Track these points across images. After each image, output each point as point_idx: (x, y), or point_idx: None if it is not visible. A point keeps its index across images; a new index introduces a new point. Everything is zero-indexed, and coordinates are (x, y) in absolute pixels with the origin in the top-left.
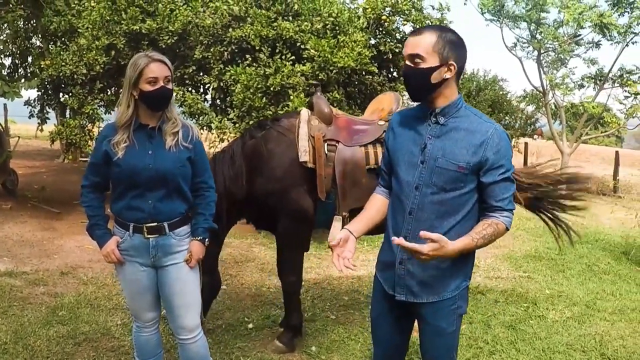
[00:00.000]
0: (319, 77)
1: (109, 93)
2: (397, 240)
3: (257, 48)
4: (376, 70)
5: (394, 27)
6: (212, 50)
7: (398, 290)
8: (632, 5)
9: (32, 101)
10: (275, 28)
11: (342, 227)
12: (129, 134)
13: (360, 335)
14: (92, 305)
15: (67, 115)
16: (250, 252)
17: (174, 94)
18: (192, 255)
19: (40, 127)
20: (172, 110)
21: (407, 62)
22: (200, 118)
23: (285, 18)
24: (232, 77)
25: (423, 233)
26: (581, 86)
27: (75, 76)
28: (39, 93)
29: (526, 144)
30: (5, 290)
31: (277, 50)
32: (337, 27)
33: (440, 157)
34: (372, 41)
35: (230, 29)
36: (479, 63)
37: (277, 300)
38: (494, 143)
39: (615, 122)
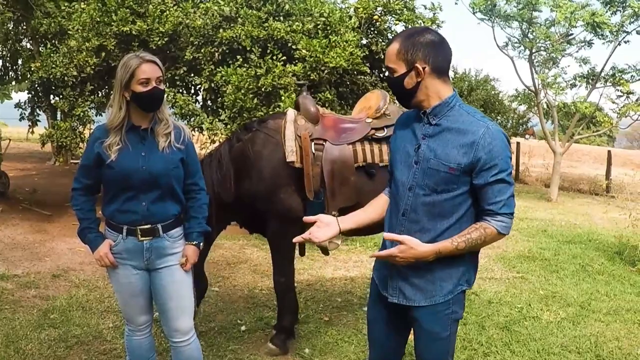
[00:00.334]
0: (311, 78)
1: (99, 95)
2: (388, 235)
3: (248, 49)
4: (368, 70)
5: (385, 26)
6: (202, 51)
7: (391, 292)
8: (624, 4)
9: (22, 104)
10: (266, 28)
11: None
12: (122, 136)
13: (354, 337)
14: (83, 308)
15: (59, 118)
16: (243, 254)
17: (165, 95)
18: (187, 260)
19: (30, 130)
20: (164, 111)
21: (387, 73)
22: (192, 119)
23: (276, 18)
24: (223, 78)
25: (386, 235)
26: (573, 85)
27: (65, 78)
28: (29, 95)
29: (518, 143)
30: None
31: (268, 51)
32: (328, 27)
33: (432, 158)
34: (364, 41)
35: (221, 30)
36: (471, 63)
37: (270, 302)
38: (486, 142)
39: (607, 121)
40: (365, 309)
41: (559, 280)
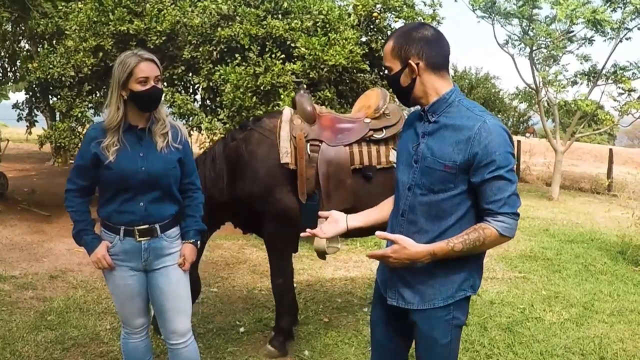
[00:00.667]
0: (310, 76)
1: (97, 95)
2: (380, 234)
3: (246, 47)
4: (368, 68)
5: (385, 24)
6: (201, 49)
7: (390, 295)
8: (625, 1)
9: (20, 104)
10: (264, 26)
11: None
12: (119, 136)
13: (354, 339)
14: (81, 310)
15: (58, 118)
16: (242, 254)
17: (164, 95)
18: (185, 259)
19: (28, 131)
20: (161, 110)
21: (386, 71)
22: (190, 119)
23: (275, 16)
24: (222, 76)
25: (378, 233)
26: (574, 83)
27: (63, 78)
28: (27, 96)
29: (519, 142)
30: None
31: (267, 49)
32: (327, 25)
33: (429, 156)
34: (364, 39)
35: (219, 28)
36: (471, 61)
37: (270, 302)
38: (482, 137)
39: (609, 119)
40: (366, 309)
41: (561, 280)
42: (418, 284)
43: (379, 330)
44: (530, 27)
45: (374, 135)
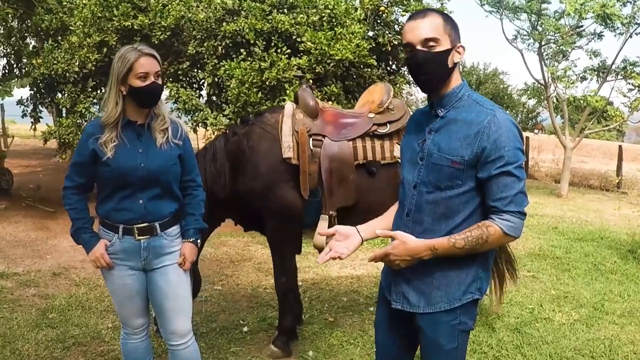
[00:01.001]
0: (316, 70)
1: (101, 91)
2: (380, 231)
3: (251, 42)
4: (375, 63)
5: (392, 18)
6: (205, 45)
7: (394, 298)
8: None
9: (24, 100)
10: (270, 21)
11: (330, 227)
12: (117, 132)
13: (360, 339)
14: (83, 307)
15: (64, 114)
16: (247, 251)
17: (168, 90)
18: (185, 258)
19: (33, 127)
20: (161, 106)
21: (421, 48)
22: (196, 114)
23: (280, 10)
24: (227, 72)
25: (379, 231)
26: (583, 79)
27: (67, 74)
28: (32, 92)
29: (527, 138)
30: None
31: (272, 44)
32: (333, 19)
33: (436, 152)
34: (370, 33)
35: (224, 23)
36: (479, 56)
37: (274, 301)
38: (491, 131)
39: (618, 115)
40: (372, 309)
41: (570, 279)
42: (423, 286)
43: (383, 333)
44: (539, 22)
45: (377, 130)
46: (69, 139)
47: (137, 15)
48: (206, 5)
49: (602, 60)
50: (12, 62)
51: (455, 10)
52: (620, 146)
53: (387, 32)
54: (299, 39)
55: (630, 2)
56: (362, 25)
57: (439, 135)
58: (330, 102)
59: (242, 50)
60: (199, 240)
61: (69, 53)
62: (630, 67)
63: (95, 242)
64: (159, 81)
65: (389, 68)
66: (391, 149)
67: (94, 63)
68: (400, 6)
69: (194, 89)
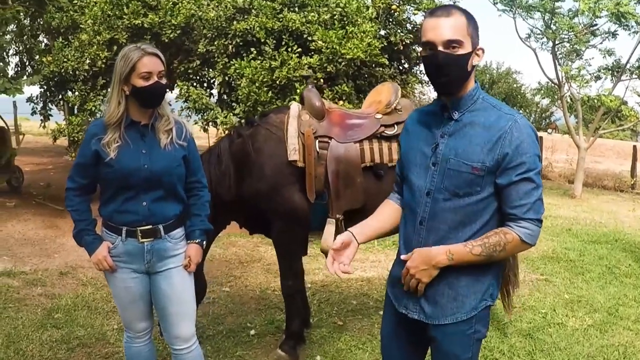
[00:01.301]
0: (327, 70)
1: None
2: (404, 256)
3: (262, 40)
4: (387, 62)
5: (404, 16)
6: (216, 43)
7: (411, 308)
8: None
9: (34, 98)
10: (280, 19)
11: (337, 230)
12: (121, 133)
13: (369, 344)
14: (89, 308)
15: (76, 112)
16: (256, 252)
17: (179, 89)
18: (190, 260)
19: (42, 125)
20: (165, 106)
21: (443, 49)
22: (206, 113)
23: (291, 9)
24: (237, 71)
25: (403, 256)
26: (598, 78)
27: (77, 72)
28: (42, 90)
29: (541, 138)
30: (2, 291)
31: (283, 43)
32: (345, 18)
33: (452, 157)
34: (382, 32)
35: (235, 22)
36: (492, 55)
37: (282, 303)
38: (513, 137)
39: (633, 115)
40: (382, 313)
41: (584, 283)
42: (439, 296)
43: (394, 346)
44: (553, 21)
45: (385, 131)
46: (78, 137)
47: (147, 14)
48: (217, 4)
49: (617, 60)
50: (25, 60)
51: (468, 8)
52: (634, 146)
53: (399, 30)
54: (309, 38)
55: None
56: (373, 24)
57: (454, 139)
58: (341, 102)
59: (252, 49)
60: (204, 242)
61: (79, 51)
62: None
63: (97, 244)
64: (163, 81)
65: (400, 67)
66: (399, 151)
67: (104, 61)
68: (412, 4)
69: (204, 88)
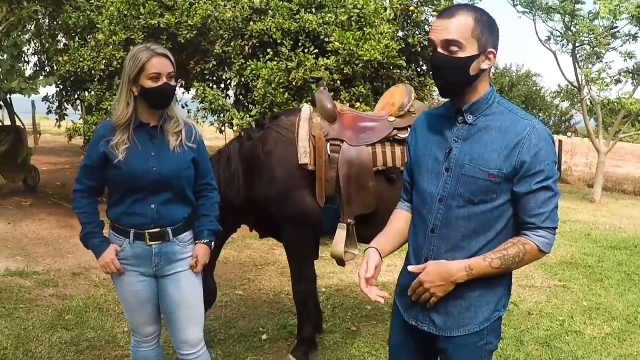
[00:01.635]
0: (344, 72)
1: None
2: (414, 268)
3: (279, 42)
4: (404, 64)
5: (423, 18)
6: (232, 44)
7: (421, 319)
8: None
9: (50, 98)
10: (297, 21)
11: (349, 236)
12: (129, 135)
13: (382, 351)
14: (100, 310)
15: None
16: (271, 255)
17: (195, 90)
18: (197, 261)
19: (58, 124)
20: (174, 108)
21: (441, 51)
22: (222, 115)
23: (308, 10)
24: (253, 72)
25: (412, 268)
26: (618, 81)
27: (93, 72)
28: (57, 90)
29: (560, 141)
30: (14, 291)
31: (299, 44)
32: (362, 19)
33: (467, 163)
34: (400, 33)
35: (251, 23)
36: (512, 57)
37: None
38: (532, 144)
39: None
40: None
41: (603, 290)
42: (451, 308)
43: (400, 354)
44: (573, 23)
45: (398, 134)
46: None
47: (164, 14)
48: (233, 5)
49: (637, 63)
50: (43, 59)
51: (487, 10)
52: None
53: (417, 32)
54: (327, 39)
55: None
56: (391, 26)
57: (469, 144)
58: (358, 104)
59: (269, 50)
60: (213, 243)
61: (95, 51)
62: None
63: (105, 247)
64: (172, 82)
65: (418, 69)
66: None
67: (120, 61)
68: (430, 6)
69: (220, 89)
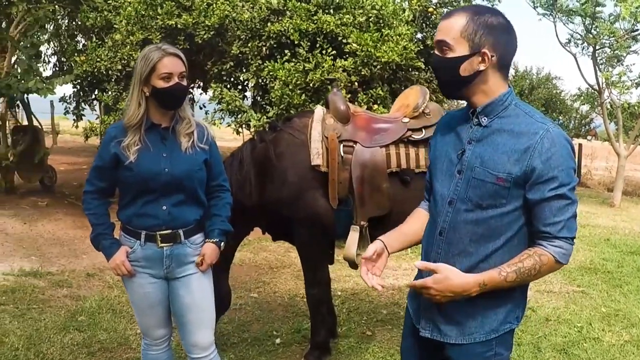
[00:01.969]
0: (362, 73)
1: None
2: (420, 264)
3: (296, 43)
4: (423, 66)
5: None
6: (250, 45)
7: (423, 325)
8: None
9: (67, 98)
10: (315, 21)
11: (361, 238)
12: (141, 135)
13: (397, 356)
14: (113, 311)
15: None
16: (287, 257)
17: (212, 91)
18: (204, 259)
19: (75, 124)
20: (186, 109)
21: (435, 51)
22: (239, 116)
23: (326, 11)
24: (270, 73)
25: (418, 263)
26: (639, 85)
27: (110, 72)
28: (75, 90)
29: (580, 145)
30: (27, 291)
31: (317, 45)
32: (381, 20)
33: (478, 165)
34: (419, 35)
35: (269, 23)
36: (532, 60)
37: None
38: (544, 148)
39: None
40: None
41: (622, 296)
42: (457, 314)
43: (410, 359)
44: (593, 26)
45: (412, 135)
46: None
47: (181, 14)
48: (251, 5)
49: None
50: (62, 59)
51: (507, 12)
52: None
53: (435, 34)
54: (344, 40)
55: None
56: (409, 27)
57: (481, 146)
58: (375, 106)
59: (286, 51)
60: (222, 243)
61: (112, 51)
62: None
63: (115, 248)
64: (184, 82)
65: None
66: (426, 156)
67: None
68: (449, 7)
69: (237, 90)
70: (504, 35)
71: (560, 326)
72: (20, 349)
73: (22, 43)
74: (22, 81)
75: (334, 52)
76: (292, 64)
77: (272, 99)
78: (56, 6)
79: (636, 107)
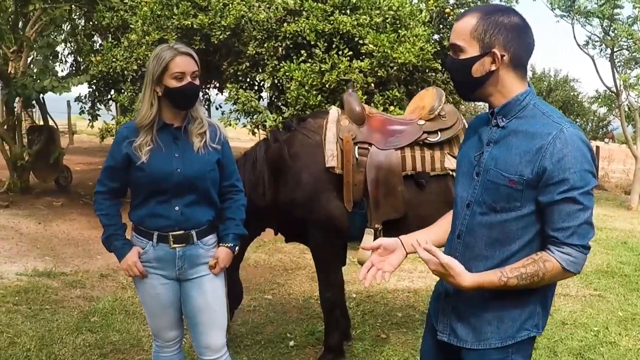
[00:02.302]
0: (378, 74)
1: None
2: (425, 255)
3: (312, 43)
4: (439, 67)
5: None
6: (266, 45)
7: (441, 329)
8: None
9: (82, 98)
10: (331, 22)
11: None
12: (153, 135)
13: (412, 359)
14: (126, 312)
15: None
16: (302, 259)
17: (228, 92)
18: (217, 263)
19: (90, 124)
20: (198, 109)
21: (450, 53)
22: (254, 116)
23: (343, 11)
24: (286, 73)
25: (425, 249)
26: None
27: (125, 72)
28: (90, 90)
29: (597, 147)
30: (41, 291)
31: (333, 46)
32: (397, 21)
33: (492, 168)
34: (436, 36)
35: (285, 24)
36: (550, 62)
37: None
38: (555, 149)
39: None
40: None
41: (639, 300)
42: (474, 319)
43: None
44: (611, 28)
45: (428, 138)
46: None
47: (197, 14)
48: (267, 5)
49: None
50: (79, 59)
51: (524, 14)
52: None
53: None
54: (361, 41)
55: None
56: (426, 28)
57: (497, 148)
58: (392, 107)
59: (302, 52)
60: (236, 247)
61: (128, 51)
62: None
63: (127, 249)
64: (196, 82)
65: None
66: (442, 159)
67: None
68: (466, 8)
69: (253, 91)
70: (516, 34)
71: (576, 330)
72: (33, 349)
73: (38, 43)
74: (38, 80)
75: (350, 52)
76: (308, 64)
77: (288, 100)
78: (72, 6)
79: None
